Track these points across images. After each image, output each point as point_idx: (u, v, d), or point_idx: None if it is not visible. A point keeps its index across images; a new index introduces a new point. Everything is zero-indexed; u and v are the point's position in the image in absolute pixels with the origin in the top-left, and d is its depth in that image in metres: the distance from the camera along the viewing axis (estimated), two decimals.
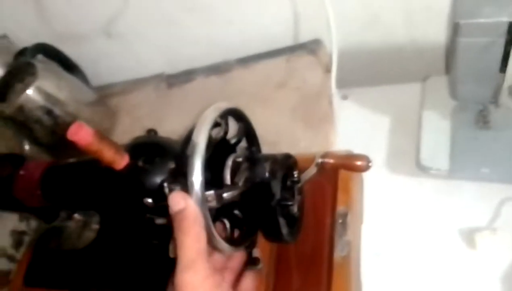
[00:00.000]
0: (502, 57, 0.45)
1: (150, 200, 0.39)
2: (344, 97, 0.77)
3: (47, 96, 0.75)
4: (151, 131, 0.45)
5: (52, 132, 0.77)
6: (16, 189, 0.48)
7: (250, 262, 0.49)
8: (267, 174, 0.39)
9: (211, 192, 0.37)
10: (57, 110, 0.76)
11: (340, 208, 0.50)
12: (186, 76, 0.85)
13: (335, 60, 0.70)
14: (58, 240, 0.64)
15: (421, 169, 0.58)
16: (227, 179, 0.40)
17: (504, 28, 0.42)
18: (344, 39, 0.80)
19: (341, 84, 0.77)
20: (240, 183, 0.39)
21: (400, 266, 0.56)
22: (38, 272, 0.62)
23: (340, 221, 0.49)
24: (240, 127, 0.45)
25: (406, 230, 0.57)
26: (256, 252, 0.49)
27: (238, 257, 0.44)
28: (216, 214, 0.40)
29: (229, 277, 0.43)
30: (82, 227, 0.64)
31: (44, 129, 0.76)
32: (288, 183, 0.44)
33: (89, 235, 0.63)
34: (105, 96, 0.88)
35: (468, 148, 0.57)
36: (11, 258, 0.67)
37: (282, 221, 0.41)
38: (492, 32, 0.43)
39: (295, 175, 0.44)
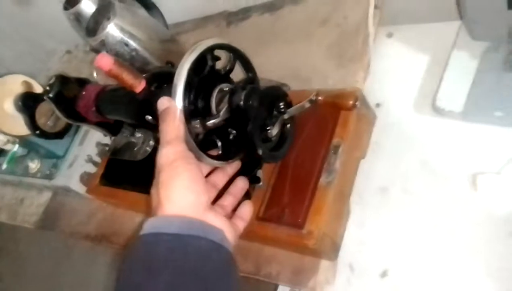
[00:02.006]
0: None
1: (149, 117, 0.48)
2: (390, 35, 0.75)
3: (124, 32, 0.88)
4: (168, 63, 0.54)
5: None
6: (79, 105, 0.62)
7: (253, 181, 0.58)
8: (241, 102, 0.45)
9: (196, 121, 0.45)
10: (133, 45, 0.90)
11: (335, 140, 0.54)
12: (243, 14, 0.91)
13: None
14: (126, 152, 0.79)
15: (435, 109, 0.58)
16: (213, 107, 0.48)
17: None
18: None
19: (387, 21, 0.76)
20: (222, 111, 0.47)
21: (404, 201, 0.59)
22: (110, 175, 0.79)
23: (332, 151, 0.54)
24: (229, 57, 0.50)
25: (412, 170, 0.59)
26: (259, 173, 0.58)
27: (239, 184, 0.52)
28: (210, 134, 0.49)
29: (229, 201, 0.50)
30: (142, 143, 0.78)
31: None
32: (275, 112, 0.50)
33: (147, 149, 0.77)
34: (176, 34, 0.99)
35: (488, 90, 0.54)
36: (95, 164, 0.85)
37: (259, 143, 0.47)
38: None
39: (281, 106, 0.50)
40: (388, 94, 0.68)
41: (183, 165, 0.42)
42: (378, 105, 0.68)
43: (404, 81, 0.68)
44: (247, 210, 0.49)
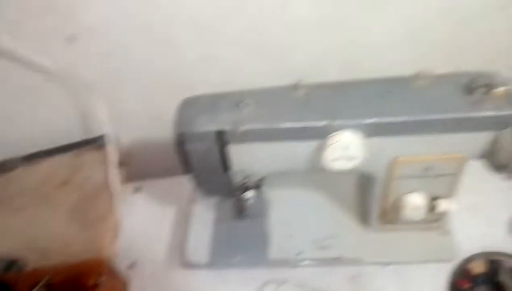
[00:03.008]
0: (221, 160, 0.50)
1: None
2: (137, 189, 0.77)
3: None
4: None
5: None
6: None
7: None
8: None
9: None
10: None
11: None
12: None
13: (117, 155, 0.70)
14: None
15: (185, 263, 0.60)
16: None
17: (214, 136, 0.47)
18: (133, 133, 0.82)
19: (135, 176, 0.77)
20: None
21: None
22: None
23: None
24: None
25: None
26: None
27: None
28: None
29: None
30: None
31: None
32: None
33: None
34: None
35: (226, 238, 0.61)
36: None
37: None
38: (207, 139, 0.48)
39: None
40: (141, 252, 0.67)
41: None
42: (132, 265, 0.65)
43: (156, 237, 0.68)
44: None
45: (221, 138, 0.47)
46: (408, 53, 0.70)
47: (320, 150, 0.47)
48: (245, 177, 0.52)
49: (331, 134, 0.46)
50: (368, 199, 0.58)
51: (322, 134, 0.47)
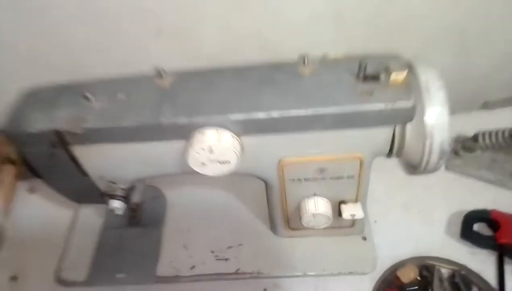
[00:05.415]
0: (73, 164, 0.41)
1: None
2: (31, 190, 0.68)
3: None
4: None
5: None
6: None
7: None
8: None
9: None
10: None
11: None
12: None
13: None
14: None
15: (61, 280, 0.51)
16: None
17: (50, 137, 0.38)
18: None
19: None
20: None
21: None
22: None
23: None
24: None
25: None
26: None
27: None
28: None
29: None
30: None
31: None
32: None
33: None
34: None
35: (112, 249, 0.53)
36: None
37: None
38: (43, 140, 0.39)
39: None
40: (28, 263, 0.58)
41: None
42: (14, 278, 0.57)
43: (45, 245, 0.59)
44: None
45: (60, 140, 0.38)
46: (334, 33, 0.61)
47: (185, 152, 0.38)
48: (109, 184, 0.44)
49: (193, 133, 0.37)
50: (270, 203, 0.50)
51: (182, 133, 0.38)
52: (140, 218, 0.55)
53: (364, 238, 0.53)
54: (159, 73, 0.39)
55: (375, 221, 0.56)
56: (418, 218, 0.57)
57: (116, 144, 0.39)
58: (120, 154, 0.40)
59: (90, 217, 0.56)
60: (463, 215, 0.55)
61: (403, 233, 0.56)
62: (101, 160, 0.41)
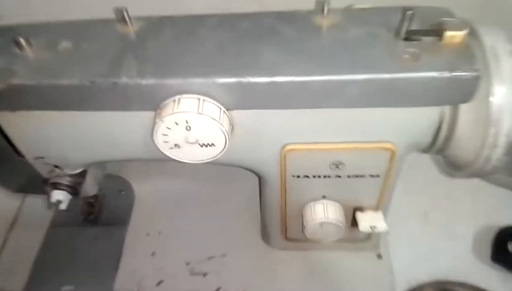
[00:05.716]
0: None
1: None
2: None
3: None
4: None
5: None
6: None
7: None
8: None
9: None
10: None
11: None
12: None
13: None
14: None
15: None
16: None
17: None
18: None
19: None
20: None
21: None
22: None
23: None
24: None
25: None
26: None
27: None
28: None
29: None
30: None
31: None
32: None
33: None
34: None
35: (58, 254, 0.42)
36: None
37: None
38: None
39: None
40: None
41: None
42: None
43: None
44: None
45: None
46: None
47: (153, 128, 0.27)
48: (52, 169, 0.33)
49: (164, 102, 0.27)
50: (264, 204, 0.40)
51: (149, 100, 0.27)
52: (98, 214, 0.44)
53: (379, 256, 0.42)
54: (122, 17, 0.28)
55: (388, 233, 0.47)
56: (440, 232, 0.48)
57: (57, 112, 0.28)
58: (62, 127, 0.29)
59: (38, 210, 0.45)
60: (494, 231, 0.47)
61: (421, 249, 0.47)
62: (36, 134, 0.30)
